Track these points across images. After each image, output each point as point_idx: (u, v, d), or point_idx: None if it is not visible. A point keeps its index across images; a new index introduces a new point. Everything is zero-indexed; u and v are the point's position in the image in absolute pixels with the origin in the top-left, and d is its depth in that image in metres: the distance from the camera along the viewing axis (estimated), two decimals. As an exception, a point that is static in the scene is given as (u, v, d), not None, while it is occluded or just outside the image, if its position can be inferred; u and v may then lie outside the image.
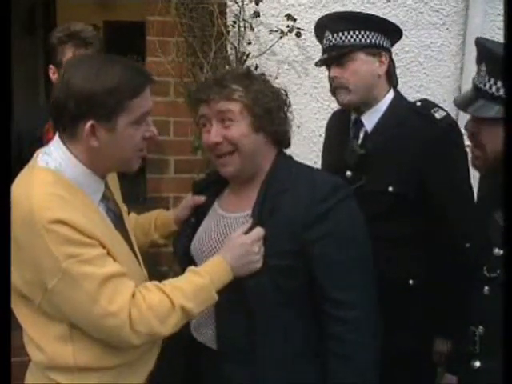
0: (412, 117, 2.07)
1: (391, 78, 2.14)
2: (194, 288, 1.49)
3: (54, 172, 1.42)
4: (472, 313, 1.63)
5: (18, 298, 1.44)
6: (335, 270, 1.56)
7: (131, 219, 1.89)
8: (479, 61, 1.51)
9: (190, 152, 3.05)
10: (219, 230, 1.69)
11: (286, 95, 1.74)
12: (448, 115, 2.07)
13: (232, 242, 1.58)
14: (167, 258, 3.07)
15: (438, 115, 2.05)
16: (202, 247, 1.71)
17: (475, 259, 1.61)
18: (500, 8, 3.33)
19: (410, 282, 2.09)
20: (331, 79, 2.10)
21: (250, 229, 1.58)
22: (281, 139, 1.70)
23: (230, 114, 1.61)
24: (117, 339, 1.43)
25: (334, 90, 2.11)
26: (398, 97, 2.14)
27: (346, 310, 1.55)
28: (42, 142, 2.44)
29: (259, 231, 1.57)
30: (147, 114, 1.51)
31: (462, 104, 1.53)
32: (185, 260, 1.74)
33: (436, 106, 2.10)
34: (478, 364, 1.54)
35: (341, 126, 2.23)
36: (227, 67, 3.00)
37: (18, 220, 1.34)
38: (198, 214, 1.82)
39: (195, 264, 1.67)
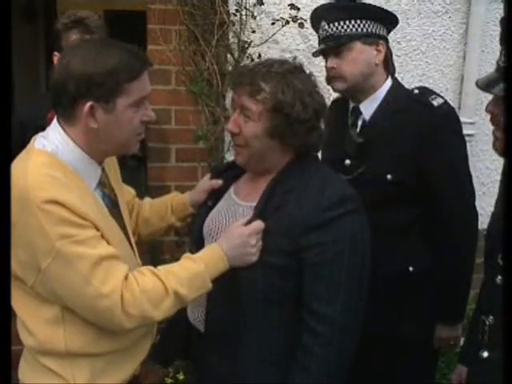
0: (410, 104, 2.07)
1: (388, 66, 2.14)
2: (188, 274, 1.50)
3: (49, 154, 1.43)
4: (483, 302, 1.62)
5: (12, 281, 1.44)
6: (321, 281, 1.53)
7: (146, 204, 1.90)
8: (500, 41, 1.51)
9: (191, 141, 3.05)
10: (229, 215, 1.69)
11: (324, 107, 1.66)
12: (446, 102, 2.07)
13: (231, 232, 1.58)
14: (169, 246, 3.08)
15: (436, 102, 2.04)
16: (211, 228, 1.72)
17: (490, 247, 1.60)
18: (503, -4, 3.32)
19: (410, 268, 2.10)
20: (328, 69, 2.10)
21: (250, 221, 1.58)
22: (302, 149, 1.65)
23: (249, 112, 1.58)
24: (109, 322, 1.43)
25: (330, 79, 2.11)
26: (396, 84, 2.15)
27: (321, 323, 1.53)
28: (45, 129, 2.44)
29: (259, 224, 1.56)
30: (145, 97, 1.52)
31: (485, 85, 1.51)
32: (199, 241, 1.75)
33: (434, 93, 2.10)
34: (486, 354, 1.52)
35: (339, 114, 2.23)
36: (229, 56, 3.00)
37: (13, 200, 1.35)
38: (215, 197, 1.82)
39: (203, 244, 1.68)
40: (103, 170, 1.58)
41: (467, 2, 3.30)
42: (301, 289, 1.56)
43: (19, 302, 1.48)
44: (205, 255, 1.55)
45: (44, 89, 5.94)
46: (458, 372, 1.83)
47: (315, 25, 2.19)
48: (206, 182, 1.89)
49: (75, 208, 1.37)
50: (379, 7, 2.16)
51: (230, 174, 1.82)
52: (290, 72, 1.60)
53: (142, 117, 1.51)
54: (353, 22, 2.04)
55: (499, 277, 1.52)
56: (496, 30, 3.32)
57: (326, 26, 2.07)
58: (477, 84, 1.56)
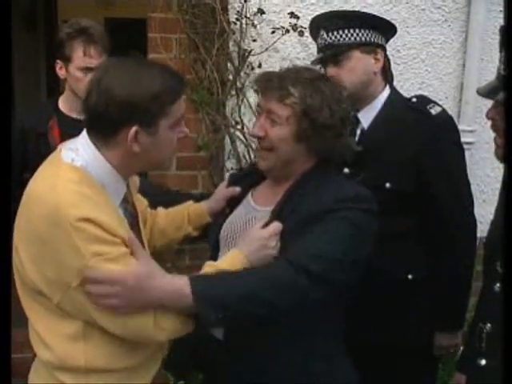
0: (408, 113, 2.08)
1: (387, 74, 2.15)
2: None
3: (80, 170, 1.41)
4: (481, 309, 1.62)
5: (31, 295, 1.43)
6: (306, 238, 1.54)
7: (161, 214, 1.88)
8: (500, 48, 1.52)
9: (192, 149, 3.05)
10: (246, 220, 1.70)
11: (349, 116, 1.69)
12: (444, 111, 2.08)
13: (249, 236, 1.58)
14: (170, 254, 3.07)
15: (434, 111, 2.06)
16: (227, 234, 1.73)
17: (489, 255, 1.60)
18: (502, 5, 3.33)
19: (410, 276, 2.10)
20: None
21: (267, 224, 1.58)
22: (327, 156, 1.67)
23: (276, 116, 1.60)
24: (142, 335, 1.44)
25: None
26: (394, 93, 2.16)
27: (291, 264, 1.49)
28: (46, 138, 2.44)
29: (277, 226, 1.57)
30: (183, 116, 1.52)
31: (487, 92, 1.52)
32: (216, 247, 1.75)
33: (432, 101, 2.11)
34: (483, 362, 1.53)
35: None
36: (229, 65, 3.00)
37: (42, 216, 1.33)
38: (232, 205, 1.81)
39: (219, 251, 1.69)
40: (127, 185, 1.57)
41: (467, 10, 3.31)
42: None
43: (39, 317, 1.45)
44: (226, 261, 1.54)
45: (45, 96, 5.96)
46: (456, 380, 1.83)
47: (314, 33, 2.20)
48: (224, 190, 1.87)
49: (106, 225, 1.35)
50: (377, 16, 2.17)
51: (247, 181, 1.82)
52: (318, 79, 1.64)
53: (178, 134, 1.51)
54: (351, 30, 2.05)
55: (498, 284, 1.53)
56: (495, 39, 3.30)
57: (325, 35, 2.08)
58: (478, 92, 1.56)
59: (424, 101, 2.12)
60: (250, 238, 1.57)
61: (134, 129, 1.39)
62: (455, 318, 2.13)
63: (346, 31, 2.05)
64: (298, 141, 1.61)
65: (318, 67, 2.13)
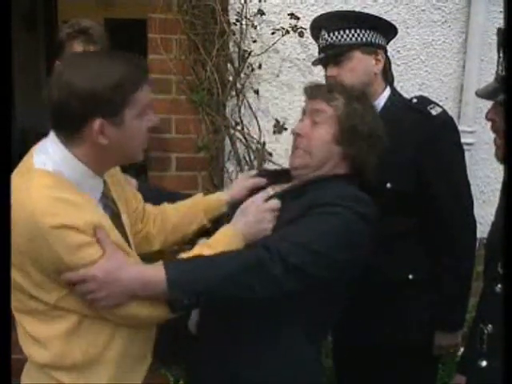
0: (408, 113, 2.09)
1: (387, 75, 2.16)
2: None
3: (52, 174, 1.39)
4: (482, 310, 1.62)
5: (23, 298, 1.42)
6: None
7: (170, 210, 1.86)
8: (498, 50, 1.52)
9: (191, 150, 3.06)
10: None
11: (380, 135, 1.74)
12: (444, 111, 2.09)
13: (247, 208, 1.61)
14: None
15: (435, 111, 2.06)
16: None
17: (490, 255, 1.60)
18: (502, 6, 3.33)
19: (410, 276, 2.10)
20: (328, 78, 2.11)
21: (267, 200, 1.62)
22: (355, 167, 1.72)
23: (321, 114, 1.68)
24: (139, 320, 1.48)
25: None
26: (394, 94, 2.16)
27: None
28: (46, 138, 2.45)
29: (275, 202, 1.62)
30: (149, 105, 1.51)
31: (487, 94, 1.52)
32: None
33: (432, 102, 2.12)
34: (484, 363, 1.52)
35: None
36: (229, 66, 3.01)
37: (20, 226, 1.32)
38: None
39: None
40: (104, 181, 1.56)
41: (466, 11, 3.31)
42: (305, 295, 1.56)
43: (30, 319, 1.45)
44: (220, 238, 1.56)
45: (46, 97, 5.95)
46: (456, 381, 1.83)
47: (315, 34, 2.20)
48: (247, 180, 1.87)
49: (87, 227, 1.35)
50: (378, 17, 2.18)
51: (274, 178, 1.84)
52: (362, 94, 1.77)
53: (146, 123, 1.50)
54: (352, 31, 2.05)
55: (499, 285, 1.52)
56: (495, 39, 3.31)
57: (326, 35, 2.08)
58: (477, 94, 1.57)
59: (424, 101, 2.12)
60: (248, 210, 1.60)
61: (98, 121, 1.38)
62: (455, 317, 2.13)
63: (347, 31, 2.05)
64: (335, 143, 1.67)
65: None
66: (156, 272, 1.40)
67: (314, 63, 2.22)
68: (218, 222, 1.83)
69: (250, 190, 1.83)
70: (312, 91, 1.75)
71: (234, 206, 1.78)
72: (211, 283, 1.43)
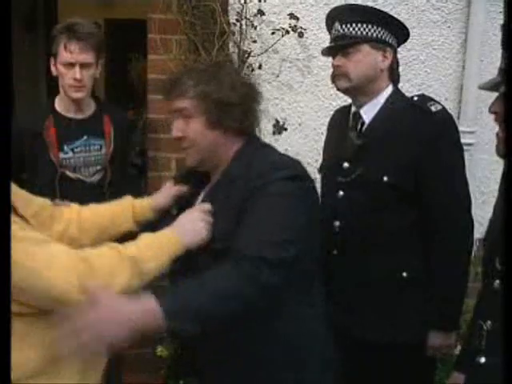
0: (409, 110, 2.10)
1: (393, 73, 2.17)
2: (142, 244, 1.54)
3: None
4: (481, 307, 1.61)
5: None
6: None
7: (86, 211, 1.84)
8: (502, 45, 1.52)
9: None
10: None
11: (256, 89, 1.73)
12: (444, 109, 2.10)
13: (182, 217, 1.64)
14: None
15: (435, 108, 2.08)
16: None
17: (489, 252, 1.60)
18: (502, 6, 3.33)
19: (404, 274, 2.10)
20: (334, 67, 2.13)
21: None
22: (246, 131, 1.71)
23: (184, 111, 1.65)
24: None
25: (335, 77, 2.13)
26: (396, 91, 2.18)
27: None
28: (42, 137, 2.45)
29: (205, 205, 1.64)
30: None
31: (489, 87, 1.52)
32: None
33: (432, 100, 2.13)
34: (483, 360, 1.52)
35: (341, 120, 2.27)
36: (229, 65, 3.01)
37: None
38: (181, 204, 1.82)
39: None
40: None
41: (466, 12, 3.31)
42: None
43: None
44: (161, 242, 1.57)
45: (44, 96, 5.96)
46: (453, 378, 1.82)
47: (329, 25, 2.22)
48: (172, 188, 1.89)
49: None
50: (393, 17, 2.18)
51: (194, 180, 1.83)
52: (212, 66, 1.75)
53: None
54: (364, 25, 2.07)
55: (497, 281, 1.52)
56: (495, 40, 3.33)
57: (339, 27, 2.11)
58: (479, 87, 1.57)
59: (425, 99, 2.14)
60: (183, 221, 1.62)
61: None
62: (450, 317, 2.13)
63: (360, 25, 2.07)
64: (212, 128, 1.65)
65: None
66: (152, 307, 1.35)
67: (323, 52, 2.24)
68: (145, 226, 1.85)
69: (175, 197, 1.86)
70: (166, 94, 1.71)
71: (160, 212, 1.87)
72: (209, 300, 1.42)
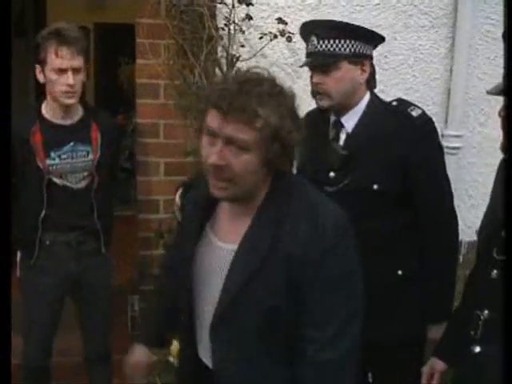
0: (390, 116, 2.12)
1: (370, 82, 2.18)
2: None
3: None
4: (478, 296, 1.61)
5: None
6: (317, 307, 1.39)
7: None
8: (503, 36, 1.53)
9: (180, 154, 3.05)
10: (215, 261, 1.51)
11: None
12: (424, 112, 2.13)
13: None
14: (158, 260, 3.07)
15: (415, 113, 2.10)
16: (203, 278, 1.54)
17: (486, 241, 1.61)
18: (489, 11, 3.36)
19: (399, 272, 2.12)
20: (314, 84, 2.13)
21: (235, 262, 1.43)
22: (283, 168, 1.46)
23: (241, 143, 1.33)
24: None
25: (315, 95, 2.14)
26: (374, 97, 2.19)
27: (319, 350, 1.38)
28: (29, 143, 2.44)
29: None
30: None
31: (496, 92, 1.52)
32: (189, 287, 1.57)
33: (412, 104, 2.16)
34: (477, 349, 1.52)
35: (318, 127, 2.24)
36: (217, 70, 3.01)
37: None
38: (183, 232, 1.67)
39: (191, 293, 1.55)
40: None
41: (453, 16, 3.33)
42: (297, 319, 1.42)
43: None
44: None
45: (33, 101, 5.94)
46: (430, 364, 1.82)
47: (304, 37, 2.22)
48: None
49: None
50: (370, 30, 2.19)
51: (199, 206, 1.59)
52: (281, 93, 1.40)
53: None
54: (342, 41, 2.07)
55: (495, 271, 1.52)
56: (482, 44, 3.35)
57: (316, 42, 2.10)
58: (488, 92, 1.57)
59: (404, 103, 2.17)
60: None
61: None
62: (446, 309, 2.14)
63: (337, 41, 2.07)
64: (265, 165, 1.38)
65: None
66: None
67: (302, 66, 2.25)
68: None
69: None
70: (224, 110, 1.33)
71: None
72: None
